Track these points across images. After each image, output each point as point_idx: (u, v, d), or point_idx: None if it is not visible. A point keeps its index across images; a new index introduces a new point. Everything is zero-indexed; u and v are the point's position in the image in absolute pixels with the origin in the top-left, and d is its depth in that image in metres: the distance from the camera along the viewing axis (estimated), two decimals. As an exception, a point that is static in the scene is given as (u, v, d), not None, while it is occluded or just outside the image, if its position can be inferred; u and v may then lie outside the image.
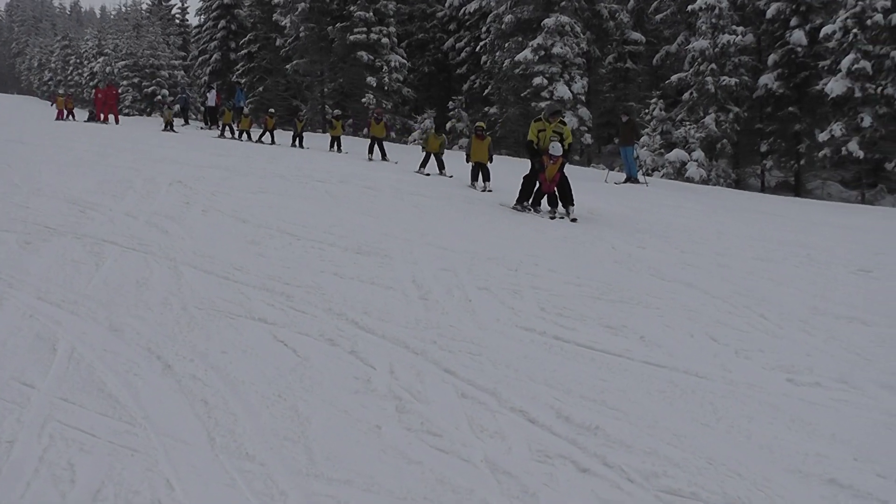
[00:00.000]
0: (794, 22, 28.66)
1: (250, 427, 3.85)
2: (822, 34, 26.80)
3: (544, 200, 12.20)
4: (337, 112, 26.53)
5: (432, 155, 17.75)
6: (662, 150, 27.76)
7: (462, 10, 40.37)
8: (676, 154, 26.75)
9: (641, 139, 27.43)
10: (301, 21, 39.41)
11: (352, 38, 37.42)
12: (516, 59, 31.41)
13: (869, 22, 25.62)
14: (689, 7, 29.15)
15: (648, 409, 4.38)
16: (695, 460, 3.77)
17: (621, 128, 19.45)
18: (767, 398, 4.72)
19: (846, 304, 7.49)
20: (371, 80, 37.05)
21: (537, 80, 30.42)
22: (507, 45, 33.54)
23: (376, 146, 21.04)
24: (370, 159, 20.59)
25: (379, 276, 7.11)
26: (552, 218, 11.68)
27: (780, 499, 3.49)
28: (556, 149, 11.73)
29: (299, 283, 6.61)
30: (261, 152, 20.49)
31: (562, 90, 30.06)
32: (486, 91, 37.03)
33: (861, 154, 25.28)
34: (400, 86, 38.55)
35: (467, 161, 15.79)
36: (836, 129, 25.63)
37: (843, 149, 25.48)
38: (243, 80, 45.28)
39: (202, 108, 33.43)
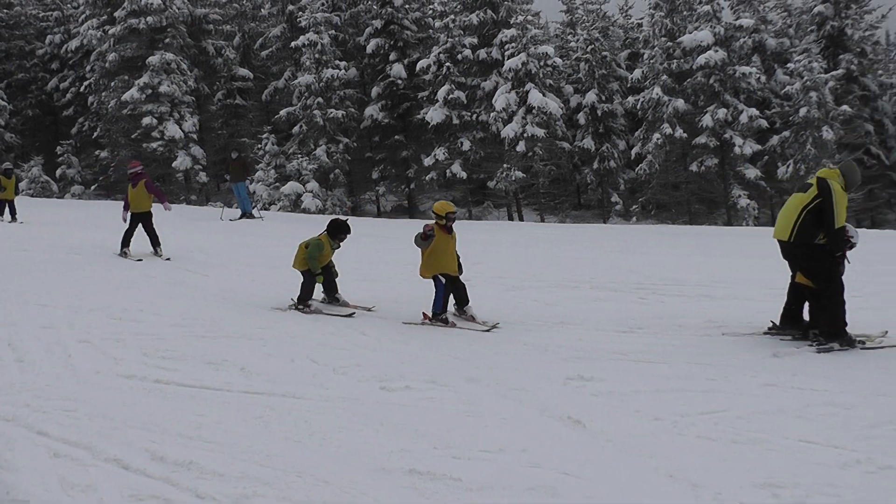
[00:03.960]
0: (393, 56, 30.92)
1: None
2: (418, 67, 29.29)
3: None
4: (6, 166, 18.25)
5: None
6: (278, 184, 28.39)
7: (64, 48, 37.93)
8: (291, 186, 27.40)
9: (256, 174, 27.84)
10: None
11: (-65, 78, 33.59)
12: (123, 98, 30.14)
13: (460, 56, 28.55)
14: (293, 43, 30.10)
15: (244, 436, 4.53)
16: (285, 476, 3.98)
17: (231, 165, 19.55)
18: (360, 408, 5.10)
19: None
20: (-34, 125, 33.42)
21: (147, 121, 29.51)
22: (113, 84, 32.11)
23: (140, 229, 12.34)
24: (126, 255, 12.17)
25: (-31, 344, 6.55)
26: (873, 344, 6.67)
27: (364, 496, 3.80)
28: (858, 235, 7.07)
29: None
30: None
31: (172, 129, 29.48)
32: (96, 134, 35.17)
33: (465, 175, 27.94)
34: (1, 131, 35.16)
35: (424, 276, 8.38)
36: (440, 153, 28.12)
37: (448, 171, 28.05)
38: None
39: None
